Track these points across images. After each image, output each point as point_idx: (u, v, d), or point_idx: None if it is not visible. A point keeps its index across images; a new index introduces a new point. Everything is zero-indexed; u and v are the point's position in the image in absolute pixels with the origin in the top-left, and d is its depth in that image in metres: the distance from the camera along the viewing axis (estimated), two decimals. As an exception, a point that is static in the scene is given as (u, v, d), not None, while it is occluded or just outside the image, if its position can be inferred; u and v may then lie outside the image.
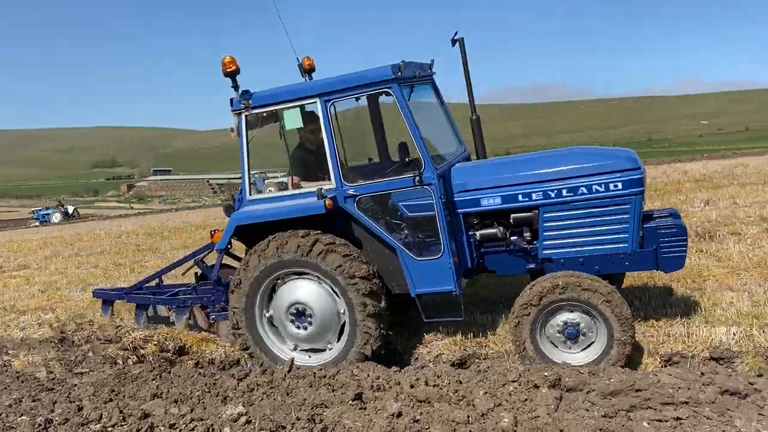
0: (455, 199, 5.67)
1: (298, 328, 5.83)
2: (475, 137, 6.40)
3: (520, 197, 5.53)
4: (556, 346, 5.28)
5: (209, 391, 5.04)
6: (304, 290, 5.75)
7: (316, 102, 5.64)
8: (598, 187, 5.29)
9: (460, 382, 4.60)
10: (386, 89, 5.48)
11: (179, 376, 5.52)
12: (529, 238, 5.71)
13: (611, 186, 5.27)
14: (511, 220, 5.67)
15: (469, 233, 5.78)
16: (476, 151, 6.47)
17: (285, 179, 6.15)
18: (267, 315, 5.94)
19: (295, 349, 5.97)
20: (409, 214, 5.94)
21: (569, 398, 4.21)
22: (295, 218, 5.62)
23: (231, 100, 5.88)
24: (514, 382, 4.51)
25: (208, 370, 5.72)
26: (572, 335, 5.20)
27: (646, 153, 76.16)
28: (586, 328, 5.18)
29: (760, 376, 4.50)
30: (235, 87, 5.81)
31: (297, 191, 5.84)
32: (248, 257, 5.84)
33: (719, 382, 4.14)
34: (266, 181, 6.11)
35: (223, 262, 6.86)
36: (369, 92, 5.66)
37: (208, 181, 56.31)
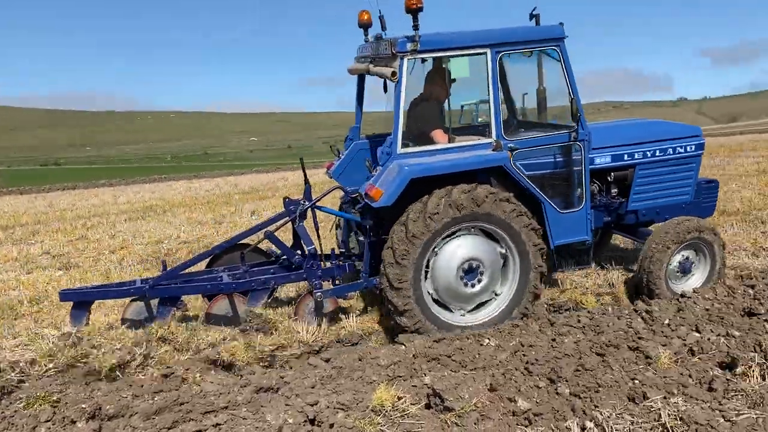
0: None
1: (473, 286, 5.73)
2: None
3: (625, 156, 6.46)
4: (673, 280, 6.25)
5: None
6: (468, 246, 5.65)
7: (486, 52, 5.62)
8: (680, 149, 6.57)
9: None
10: (554, 47, 5.79)
11: None
12: (614, 194, 6.57)
13: (688, 148, 6.60)
14: (609, 177, 6.51)
15: None
16: None
17: None
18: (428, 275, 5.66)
19: (463, 314, 5.84)
20: (526, 172, 5.93)
21: (110, 427, 3.96)
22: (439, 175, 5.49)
23: (391, 40, 5.56)
24: (47, 422, 4.03)
25: None
26: (686, 269, 6.27)
27: (202, 167, 77.54)
28: (694, 261, 6.30)
29: (291, 368, 5.04)
30: (416, 26, 5.36)
31: (452, 145, 5.76)
32: (428, 210, 5.39)
33: (255, 381, 4.45)
34: None
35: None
36: (537, 48, 5.88)
37: None
